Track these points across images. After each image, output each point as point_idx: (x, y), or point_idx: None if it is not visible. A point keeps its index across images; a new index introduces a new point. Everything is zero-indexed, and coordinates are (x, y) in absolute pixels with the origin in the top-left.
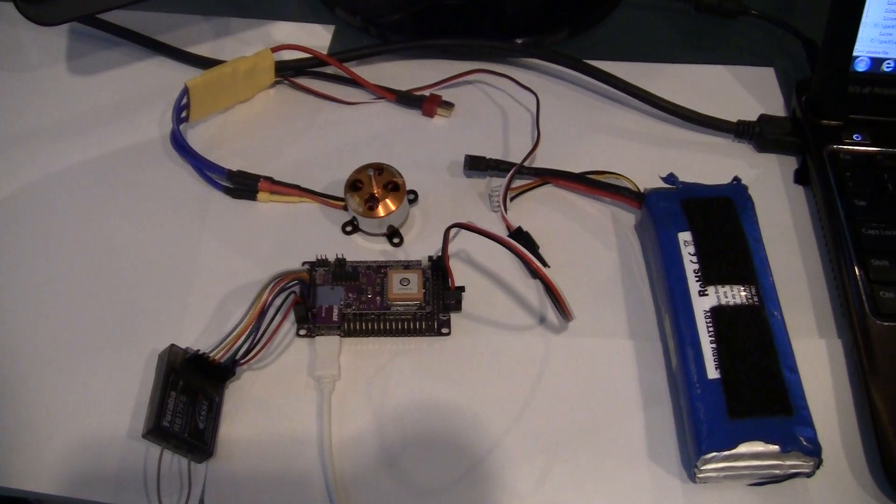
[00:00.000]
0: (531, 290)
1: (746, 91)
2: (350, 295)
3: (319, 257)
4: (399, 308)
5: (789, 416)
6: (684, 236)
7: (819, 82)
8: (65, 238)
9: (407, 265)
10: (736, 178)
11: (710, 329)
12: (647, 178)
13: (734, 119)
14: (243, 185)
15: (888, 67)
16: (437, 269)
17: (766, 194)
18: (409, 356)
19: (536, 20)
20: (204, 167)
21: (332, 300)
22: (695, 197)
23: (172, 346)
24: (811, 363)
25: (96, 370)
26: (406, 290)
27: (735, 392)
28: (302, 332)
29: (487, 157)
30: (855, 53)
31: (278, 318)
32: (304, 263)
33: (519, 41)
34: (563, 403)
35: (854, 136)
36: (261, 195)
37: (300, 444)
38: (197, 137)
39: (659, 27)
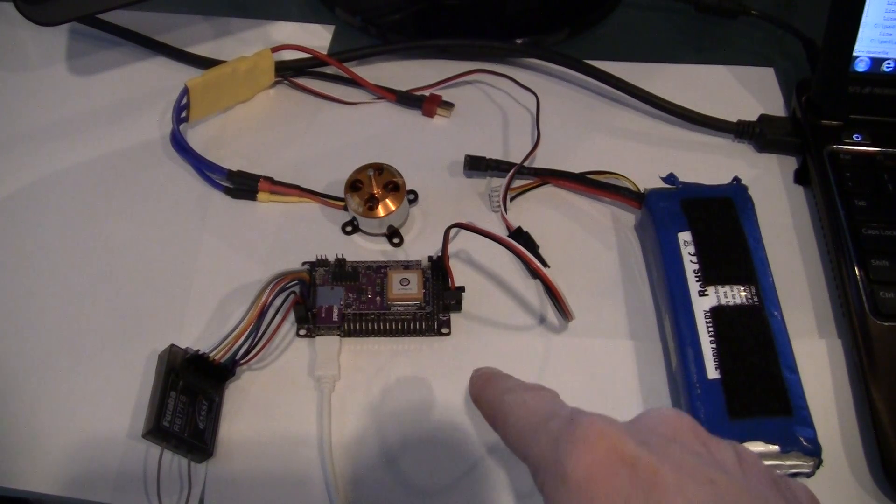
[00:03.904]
0: (531, 290)
1: (746, 91)
2: (350, 295)
3: (319, 257)
4: (399, 308)
5: (789, 416)
6: (684, 236)
7: (819, 82)
8: (65, 238)
9: (407, 265)
10: (736, 178)
11: (710, 329)
12: (647, 178)
13: (734, 119)
14: (243, 185)
15: (888, 67)
16: (437, 269)
17: (766, 194)
18: (409, 356)
19: (536, 20)
20: (204, 167)
21: (332, 300)
22: (695, 197)
23: (172, 346)
24: (811, 363)
25: (96, 370)
26: (406, 290)
27: (735, 392)
28: (302, 332)
29: (487, 157)
30: (855, 53)
31: (278, 318)
32: (304, 263)
33: (519, 41)
34: None
35: (854, 136)
36: (261, 195)
37: (300, 444)
38: (197, 137)
39: (659, 27)
